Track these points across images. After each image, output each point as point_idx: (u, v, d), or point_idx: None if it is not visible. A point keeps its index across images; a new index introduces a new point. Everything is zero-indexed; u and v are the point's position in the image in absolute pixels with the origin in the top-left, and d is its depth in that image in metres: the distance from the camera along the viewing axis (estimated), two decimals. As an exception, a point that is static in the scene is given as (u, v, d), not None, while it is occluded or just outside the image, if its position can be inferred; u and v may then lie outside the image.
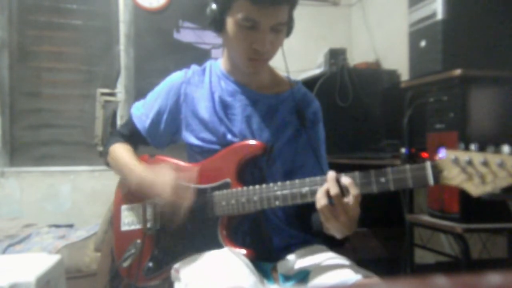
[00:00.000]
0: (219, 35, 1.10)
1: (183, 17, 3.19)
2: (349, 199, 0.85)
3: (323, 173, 1.12)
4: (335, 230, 0.91)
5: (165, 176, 1.02)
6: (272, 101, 1.15)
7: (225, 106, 1.13)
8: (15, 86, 2.92)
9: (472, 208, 1.62)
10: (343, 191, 0.86)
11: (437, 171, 0.80)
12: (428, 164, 0.81)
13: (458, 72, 1.64)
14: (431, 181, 0.81)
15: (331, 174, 0.88)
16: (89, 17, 3.04)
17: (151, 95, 1.23)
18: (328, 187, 0.87)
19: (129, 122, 1.24)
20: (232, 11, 1.00)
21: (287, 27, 1.07)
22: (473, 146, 0.77)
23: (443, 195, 1.72)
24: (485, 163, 0.75)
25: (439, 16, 1.78)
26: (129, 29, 3.07)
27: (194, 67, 1.21)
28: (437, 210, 1.76)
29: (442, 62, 1.76)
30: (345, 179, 0.86)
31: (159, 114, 1.18)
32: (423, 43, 1.88)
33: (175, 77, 1.19)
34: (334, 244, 1.02)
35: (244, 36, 1.01)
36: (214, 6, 1.04)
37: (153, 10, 3.10)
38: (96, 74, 3.03)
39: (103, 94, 2.99)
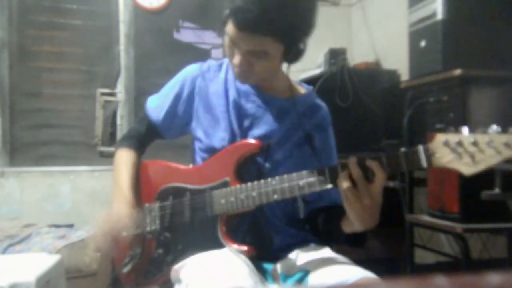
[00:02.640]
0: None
1: (183, 17, 3.19)
2: (374, 181, 0.86)
3: None
4: (358, 218, 0.90)
5: (105, 224, 1.08)
6: (284, 104, 1.16)
7: (238, 106, 1.14)
8: (15, 86, 2.92)
9: (472, 208, 1.62)
10: (366, 173, 0.87)
11: (429, 154, 0.83)
12: (420, 148, 0.84)
13: (458, 72, 1.64)
14: (424, 163, 0.83)
15: (352, 158, 0.89)
16: (89, 17, 3.04)
17: (165, 88, 1.25)
18: (349, 170, 0.88)
19: (145, 116, 1.26)
20: (226, 26, 1.03)
21: (285, 55, 1.06)
22: (463, 129, 0.80)
23: (443, 195, 1.72)
24: (475, 143, 0.78)
25: (439, 16, 1.78)
26: (129, 29, 3.07)
27: (211, 62, 1.22)
28: (437, 210, 1.76)
29: (442, 62, 1.76)
30: (370, 161, 0.87)
31: (174, 105, 1.20)
32: (423, 43, 1.88)
33: (191, 70, 1.22)
34: (354, 243, 1.01)
35: (228, 48, 1.05)
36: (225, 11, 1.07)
37: (153, 10, 3.10)
38: (96, 74, 3.03)
39: (103, 94, 2.99)
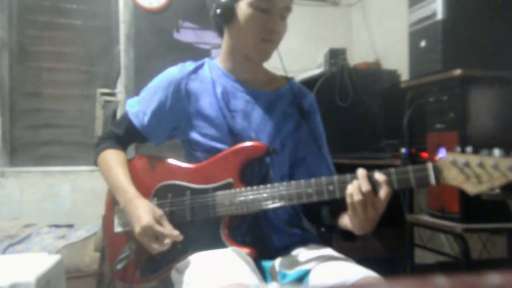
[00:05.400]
0: (226, 26, 1.12)
1: (183, 17, 3.19)
2: (381, 195, 0.89)
3: (325, 163, 1.16)
4: (359, 225, 0.94)
5: (144, 216, 1.03)
6: (271, 97, 1.18)
7: (227, 103, 1.15)
8: (15, 86, 2.92)
9: (472, 208, 1.62)
10: (375, 186, 0.90)
11: (438, 172, 0.87)
12: (430, 165, 0.88)
13: (458, 72, 1.64)
14: (433, 181, 0.87)
15: (362, 171, 0.91)
16: (89, 17, 3.04)
17: (146, 91, 1.21)
18: (360, 184, 0.90)
19: (124, 120, 1.21)
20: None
21: None
22: (468, 149, 0.85)
23: (443, 195, 1.72)
24: (481, 165, 0.82)
25: (439, 16, 1.78)
26: (129, 29, 3.07)
27: (190, 63, 1.20)
28: (437, 210, 1.76)
29: (442, 62, 1.76)
30: (380, 176, 0.90)
31: (159, 110, 1.16)
32: (423, 43, 1.88)
33: (173, 72, 1.19)
34: (348, 238, 1.04)
35: (258, 18, 1.06)
36: None
37: (153, 10, 3.10)
38: (96, 74, 3.03)
39: (103, 94, 2.99)
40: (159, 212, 1.06)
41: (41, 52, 2.99)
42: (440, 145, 1.69)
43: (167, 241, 1.03)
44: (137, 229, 1.04)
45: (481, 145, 0.84)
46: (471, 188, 0.84)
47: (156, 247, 1.04)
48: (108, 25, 3.05)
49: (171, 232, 1.03)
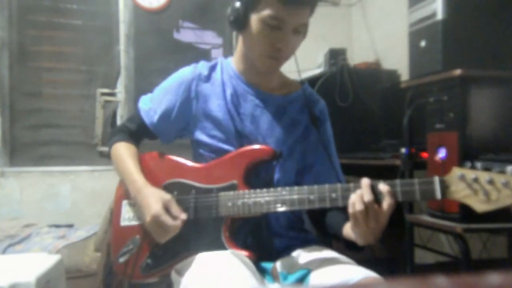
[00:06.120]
0: (239, 33, 1.12)
1: (183, 17, 3.19)
2: (384, 206, 0.87)
3: (334, 171, 1.14)
4: (361, 236, 0.92)
5: (153, 205, 1.03)
6: (281, 102, 1.17)
7: (236, 106, 1.14)
8: (15, 86, 2.92)
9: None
10: (378, 197, 0.88)
11: (445, 186, 0.84)
12: (436, 179, 0.85)
13: (458, 72, 1.64)
14: (438, 195, 0.84)
15: (365, 181, 0.89)
16: (89, 17, 3.04)
17: (159, 90, 1.22)
18: (362, 193, 0.88)
19: (136, 116, 1.23)
20: (258, 8, 1.03)
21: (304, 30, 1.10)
22: (478, 165, 0.82)
23: (443, 195, 1.72)
24: (491, 182, 0.79)
25: (439, 16, 1.78)
26: (129, 29, 3.07)
27: (204, 63, 1.21)
28: (437, 210, 1.76)
29: (442, 62, 1.76)
30: (383, 186, 0.88)
31: (168, 110, 1.17)
32: (423, 43, 1.88)
33: (185, 73, 1.19)
34: (353, 249, 1.02)
35: (267, 34, 1.04)
36: (238, 3, 1.06)
37: (153, 10, 3.10)
38: (96, 74, 3.03)
39: (103, 94, 2.99)
40: (167, 197, 1.05)
41: (41, 52, 2.99)
42: (440, 145, 1.69)
43: (171, 234, 1.03)
44: (147, 218, 1.03)
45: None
46: (479, 205, 0.81)
47: (162, 237, 1.04)
48: (108, 25, 3.05)
49: (174, 223, 1.02)
